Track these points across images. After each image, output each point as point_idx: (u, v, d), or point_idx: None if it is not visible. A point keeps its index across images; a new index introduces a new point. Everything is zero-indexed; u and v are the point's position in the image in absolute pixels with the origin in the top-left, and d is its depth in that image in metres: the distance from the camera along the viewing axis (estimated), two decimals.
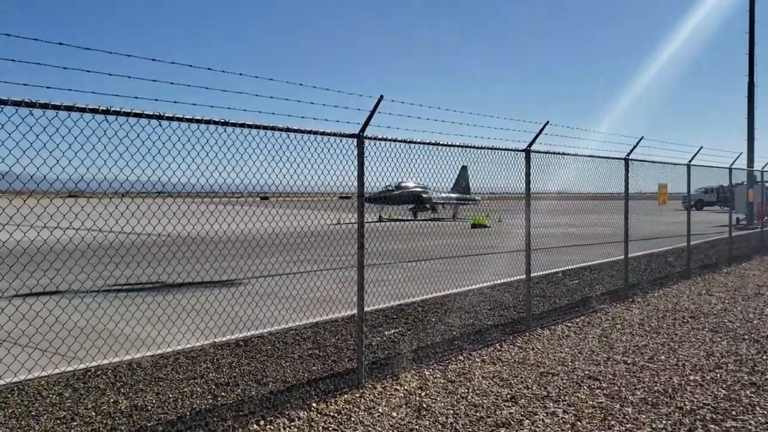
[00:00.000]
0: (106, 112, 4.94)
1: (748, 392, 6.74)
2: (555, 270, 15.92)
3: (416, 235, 28.69)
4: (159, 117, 5.12)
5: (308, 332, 9.41)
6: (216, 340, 8.82)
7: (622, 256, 12.57)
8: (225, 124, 5.50)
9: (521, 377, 7.33)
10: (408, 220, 45.52)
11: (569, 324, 10.06)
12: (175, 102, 5.35)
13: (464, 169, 42.60)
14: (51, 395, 6.58)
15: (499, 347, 8.64)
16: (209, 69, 5.42)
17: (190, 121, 5.30)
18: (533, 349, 8.59)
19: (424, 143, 7.67)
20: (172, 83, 5.51)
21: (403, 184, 46.61)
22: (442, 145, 7.98)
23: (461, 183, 50.08)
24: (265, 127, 5.79)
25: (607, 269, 15.81)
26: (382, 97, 6.52)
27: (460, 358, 8.09)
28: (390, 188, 44.39)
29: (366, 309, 10.89)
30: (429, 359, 8.01)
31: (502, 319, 10.35)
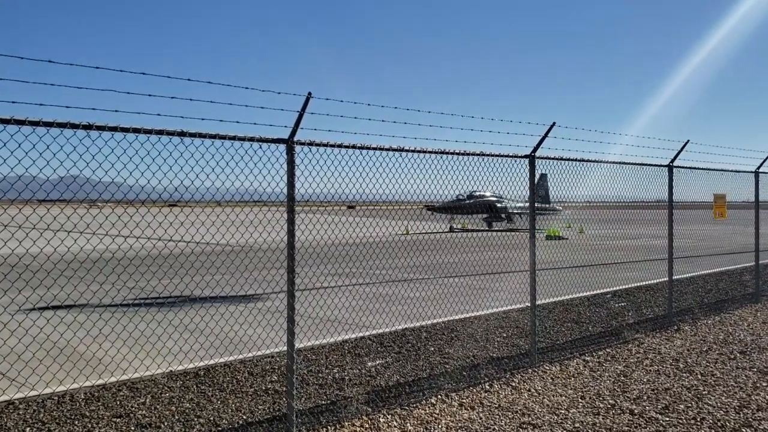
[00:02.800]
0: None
1: None
2: (604, 290, 14.25)
3: (477, 247, 27.31)
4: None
5: (285, 360, 8.46)
6: (173, 368, 8.02)
7: (691, 274, 10.93)
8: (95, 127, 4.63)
9: (494, 429, 6.07)
10: (481, 231, 43.94)
11: (588, 358, 8.61)
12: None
13: (543, 177, 40.77)
14: None
15: (488, 387, 7.37)
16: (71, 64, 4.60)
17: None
18: (529, 390, 7.26)
19: (382, 149, 6.56)
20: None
21: (476, 193, 45.09)
22: (408, 150, 6.84)
23: (540, 192, 47.96)
24: (148, 131, 4.88)
25: (664, 290, 13.98)
26: (310, 94, 5.51)
27: (433, 400, 6.89)
28: (461, 197, 42.95)
29: (364, 334, 9.92)
30: (395, 400, 6.86)
31: (514, 350, 9.02)
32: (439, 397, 6.99)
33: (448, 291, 14.51)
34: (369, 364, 8.27)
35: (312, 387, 7.30)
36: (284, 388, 7.19)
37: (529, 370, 8.01)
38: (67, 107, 4.57)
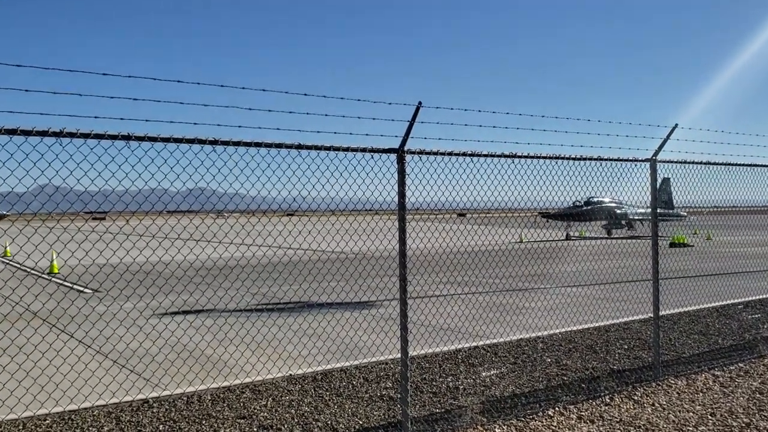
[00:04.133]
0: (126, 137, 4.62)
1: None
2: (735, 300, 13.36)
3: (596, 255, 26.40)
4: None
5: (399, 367, 8.55)
6: (292, 372, 8.30)
7: None
8: (213, 143, 4.93)
9: None
10: (600, 238, 42.40)
11: (718, 372, 8.09)
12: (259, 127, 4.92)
13: (666, 181, 38.78)
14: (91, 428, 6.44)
15: (608, 400, 7.09)
16: (199, 83, 4.91)
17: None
18: (653, 404, 6.92)
19: (494, 155, 6.50)
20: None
21: (593, 199, 43.52)
22: (520, 156, 6.74)
23: (662, 197, 45.50)
24: (268, 145, 5.12)
25: None
26: (420, 104, 5.57)
27: (550, 412, 6.71)
28: (578, 203, 41.60)
29: (478, 343, 9.83)
30: (511, 411, 6.75)
31: (636, 362, 8.64)
32: (557, 409, 6.81)
33: (565, 301, 14.12)
34: (483, 373, 8.19)
35: (426, 395, 7.33)
36: (398, 395, 7.25)
37: (653, 384, 7.64)
38: (194, 124, 4.88)
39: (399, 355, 9.10)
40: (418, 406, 6.94)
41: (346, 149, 5.64)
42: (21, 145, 4.43)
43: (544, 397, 7.24)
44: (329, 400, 7.22)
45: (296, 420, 6.58)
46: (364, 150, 5.70)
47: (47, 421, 6.50)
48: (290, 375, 8.20)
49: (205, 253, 25.00)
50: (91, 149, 4.67)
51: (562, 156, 7.28)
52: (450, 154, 6.10)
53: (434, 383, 7.79)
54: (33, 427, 6.36)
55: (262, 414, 6.78)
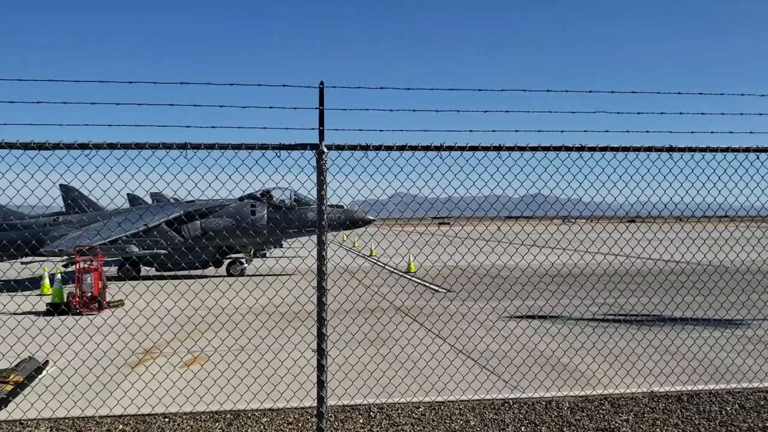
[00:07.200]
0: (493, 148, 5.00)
1: None
2: None
3: None
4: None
5: None
6: (654, 389, 7.81)
7: None
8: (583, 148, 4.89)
9: None
10: None
11: None
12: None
13: None
14: (458, 421, 6.87)
15: None
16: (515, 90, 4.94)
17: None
18: None
19: None
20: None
21: None
22: None
23: None
24: (636, 149, 4.90)
25: None
26: None
27: None
28: None
29: None
30: None
31: None
32: None
33: None
34: None
35: None
36: None
37: None
38: (562, 131, 4.92)
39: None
40: None
41: (725, 150, 5.12)
42: (395, 158, 4.96)
43: None
44: (699, 424, 6.63)
45: None
46: (747, 150, 5.11)
47: (420, 409, 7.15)
48: (652, 392, 7.74)
49: (543, 260, 25.12)
50: (461, 161, 5.01)
51: None
52: None
53: None
54: (409, 412, 7.05)
55: (623, 429, 6.52)
